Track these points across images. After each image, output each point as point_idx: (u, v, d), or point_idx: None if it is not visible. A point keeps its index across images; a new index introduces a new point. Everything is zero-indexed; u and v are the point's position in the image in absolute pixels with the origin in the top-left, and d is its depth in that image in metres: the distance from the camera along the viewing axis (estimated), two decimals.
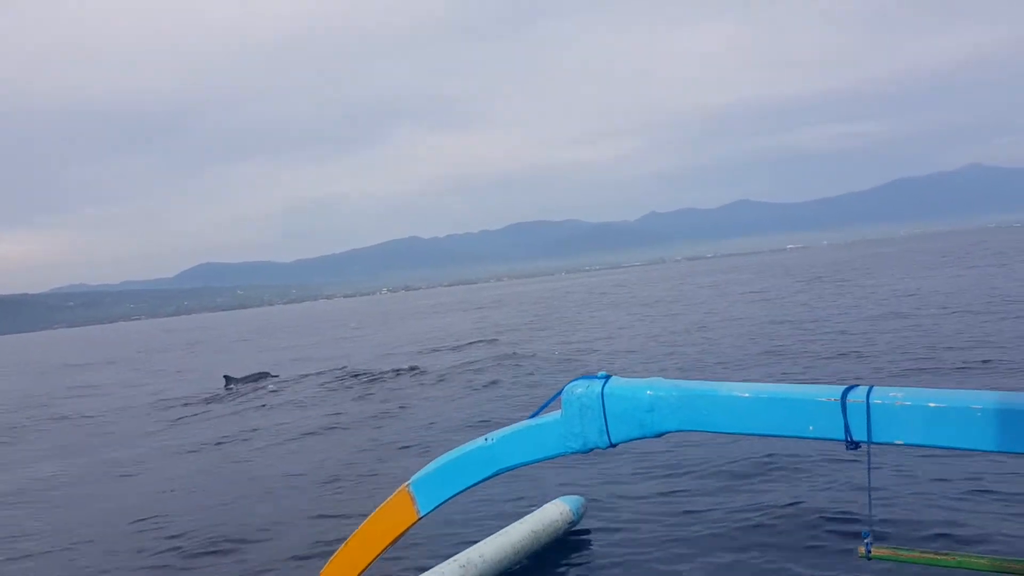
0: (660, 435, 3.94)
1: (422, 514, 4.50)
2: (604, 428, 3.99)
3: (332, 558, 4.78)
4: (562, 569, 6.53)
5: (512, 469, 4.35)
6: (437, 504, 4.48)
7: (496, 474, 4.38)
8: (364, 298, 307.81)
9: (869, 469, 3.88)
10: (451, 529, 7.51)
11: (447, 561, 5.94)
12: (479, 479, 4.40)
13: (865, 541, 3.83)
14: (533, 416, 4.33)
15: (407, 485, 4.53)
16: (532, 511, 6.96)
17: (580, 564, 6.61)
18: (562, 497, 7.15)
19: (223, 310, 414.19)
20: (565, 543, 6.94)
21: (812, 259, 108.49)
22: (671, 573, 6.16)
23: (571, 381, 4.13)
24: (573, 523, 6.92)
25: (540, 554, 6.71)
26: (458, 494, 4.48)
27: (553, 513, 6.78)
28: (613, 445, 4.04)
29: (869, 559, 3.84)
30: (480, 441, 4.39)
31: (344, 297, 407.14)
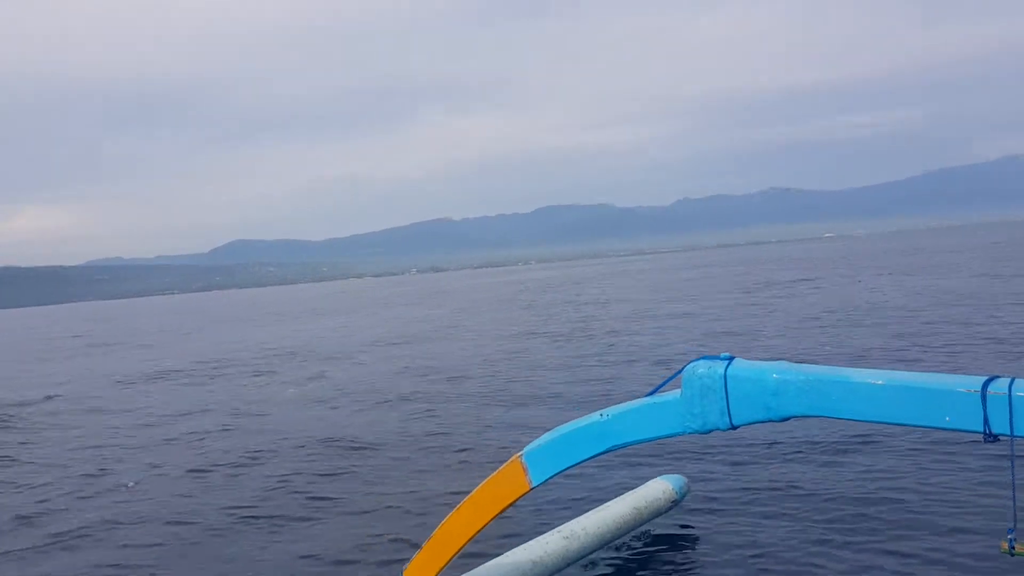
0: (785, 419, 3.93)
1: (534, 484, 4.56)
2: (726, 410, 3.99)
3: (443, 522, 4.86)
4: (663, 546, 6.60)
5: (626, 446, 4.39)
6: (549, 476, 4.54)
7: (610, 450, 4.42)
8: (393, 278, 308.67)
9: (1013, 463, 3.79)
10: (554, 502, 7.57)
11: (551, 531, 6.00)
12: (592, 454, 4.44)
13: (1009, 537, 3.72)
14: (650, 394, 4.33)
15: (520, 456, 4.60)
16: (634, 488, 7.01)
17: (681, 542, 6.66)
18: (665, 475, 7.20)
19: (255, 287, 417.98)
20: (666, 521, 6.99)
21: (866, 248, 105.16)
22: (774, 556, 6.14)
23: (691, 361, 4.14)
24: (675, 502, 6.95)
25: (641, 530, 6.78)
26: (570, 467, 4.54)
27: (656, 491, 6.83)
28: (734, 427, 4.05)
29: (1013, 555, 3.74)
30: (595, 416, 4.42)
31: (373, 277, 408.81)
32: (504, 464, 4.69)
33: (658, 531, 6.90)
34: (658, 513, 6.80)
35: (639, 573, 6.10)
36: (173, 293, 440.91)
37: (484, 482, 4.76)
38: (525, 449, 4.61)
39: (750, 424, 4.04)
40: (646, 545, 6.63)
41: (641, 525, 6.69)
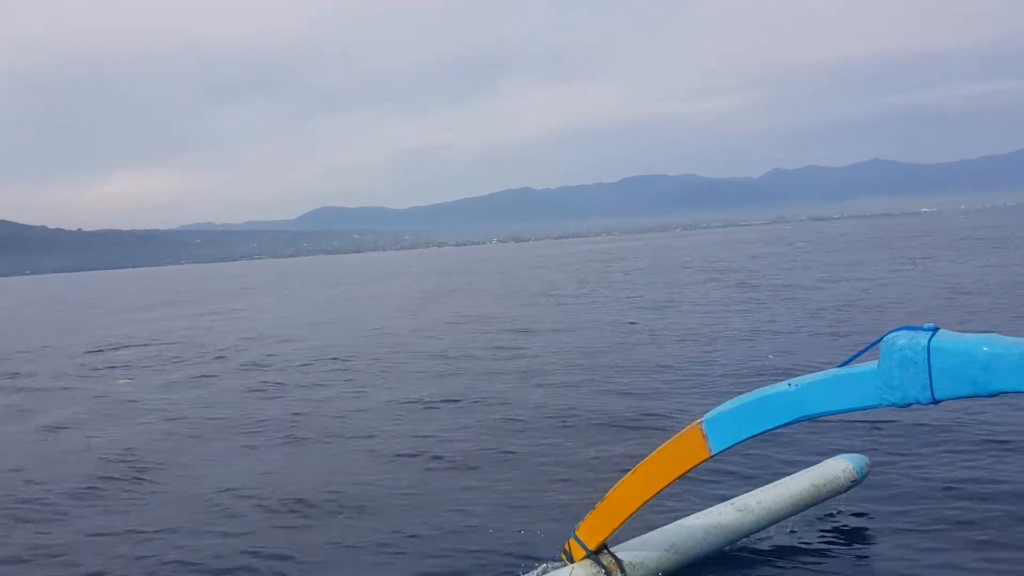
0: (994, 395, 3.68)
1: (714, 453, 4.45)
2: (928, 383, 3.79)
3: (617, 485, 4.78)
4: (839, 526, 5.99)
5: (816, 417, 4.22)
6: (730, 444, 4.42)
7: (797, 421, 4.26)
8: (473, 247, 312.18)
9: None
10: (729, 474, 7.09)
11: (724, 503, 5.69)
12: (778, 424, 4.29)
13: None
14: (843, 365, 4.18)
15: (700, 422, 4.48)
16: (813, 465, 6.39)
17: (858, 524, 6.02)
18: (845, 454, 6.53)
19: (340, 253, 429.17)
20: (844, 501, 6.25)
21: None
22: (956, 552, 5.42)
23: (891, 331, 3.92)
24: (855, 482, 6.25)
25: (817, 509, 6.10)
26: (753, 437, 4.41)
27: (836, 469, 6.20)
28: (936, 402, 3.81)
29: None
30: (783, 386, 4.27)
31: (455, 246, 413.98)
32: (683, 430, 4.57)
33: (834, 511, 6.17)
34: (836, 492, 6.14)
35: (811, 552, 5.61)
36: (261, 257, 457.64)
37: (661, 447, 4.65)
38: (705, 416, 4.49)
39: (954, 399, 3.79)
40: (820, 525, 6.01)
41: (817, 504, 6.03)
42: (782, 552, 5.58)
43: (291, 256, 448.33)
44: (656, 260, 58.13)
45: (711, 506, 5.67)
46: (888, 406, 3.93)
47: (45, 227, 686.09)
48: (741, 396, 4.48)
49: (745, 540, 5.57)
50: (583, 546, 4.84)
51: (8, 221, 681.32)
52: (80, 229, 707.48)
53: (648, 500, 4.70)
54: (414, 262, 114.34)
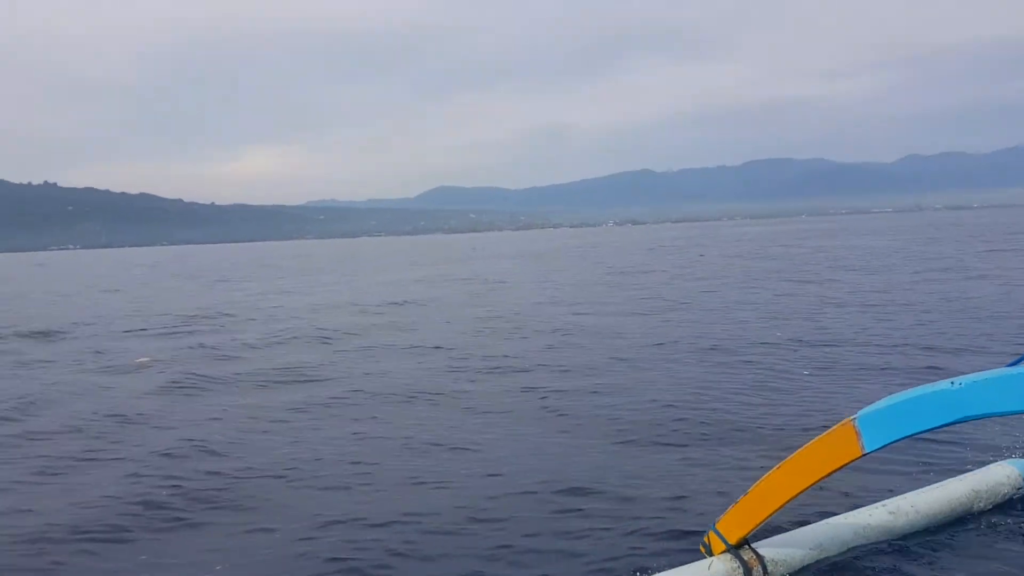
0: None
1: (867, 451, 4.28)
2: None
3: (762, 479, 4.64)
4: (999, 537, 5.49)
5: (979, 418, 4.07)
6: (885, 443, 4.24)
7: (958, 421, 4.10)
8: (589, 229, 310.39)
9: None
10: (879, 473, 6.68)
11: (875, 505, 5.43)
12: (937, 424, 4.13)
13: None
14: (1012, 364, 4.06)
15: (853, 419, 4.32)
16: (971, 470, 6.07)
17: (1019, 534, 5.49)
18: (1011, 460, 6.15)
19: (457, 232, 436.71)
20: (1005, 509, 5.80)
21: None
22: None
23: None
24: (1021, 489, 5.86)
25: (975, 517, 5.68)
26: (909, 436, 4.25)
27: (999, 475, 5.85)
28: None
29: None
30: (945, 384, 4.09)
31: (570, 227, 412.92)
32: (834, 426, 4.40)
33: (992, 520, 5.70)
34: (998, 500, 5.76)
35: (965, 560, 5.21)
36: (381, 235, 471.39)
37: (811, 443, 4.47)
38: (859, 413, 4.32)
39: None
40: (978, 534, 5.57)
41: (976, 512, 5.66)
42: (934, 561, 5.21)
43: (409, 234, 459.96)
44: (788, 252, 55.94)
45: (861, 507, 5.42)
46: None
47: (181, 200, 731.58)
48: (899, 393, 4.30)
49: (895, 544, 5.27)
50: (723, 540, 4.72)
51: (148, 194, 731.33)
52: (213, 203, 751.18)
53: (794, 497, 4.54)
54: (523, 244, 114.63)
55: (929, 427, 4.17)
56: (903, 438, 4.22)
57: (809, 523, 5.20)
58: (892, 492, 5.77)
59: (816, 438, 4.46)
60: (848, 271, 30.26)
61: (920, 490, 5.60)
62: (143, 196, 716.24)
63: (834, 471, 4.43)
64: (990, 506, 5.70)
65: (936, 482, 5.78)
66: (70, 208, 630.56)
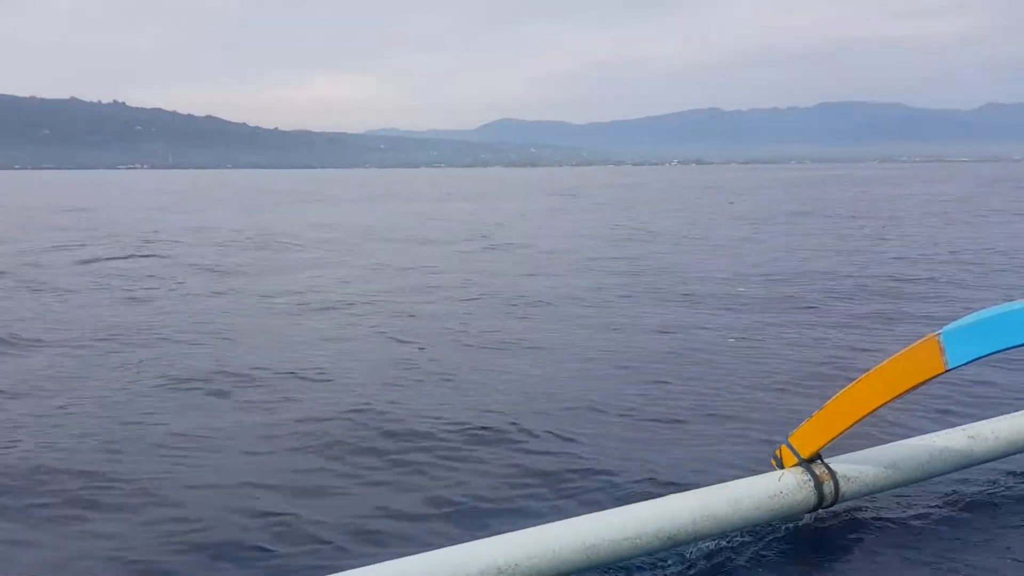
0: None
1: (951, 366, 4.16)
2: None
3: (841, 392, 4.53)
4: None
5: None
6: (970, 359, 4.13)
7: None
8: (651, 168, 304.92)
9: None
10: (959, 403, 6.62)
11: (955, 428, 5.29)
12: (1022, 341, 3.99)
13: None
14: None
15: (938, 334, 4.21)
16: None
17: None
18: None
19: (516, 166, 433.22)
20: None
21: None
22: None
23: None
24: None
25: None
26: (995, 353, 4.09)
27: None
28: None
29: None
30: None
31: (632, 165, 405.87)
32: (918, 340, 4.28)
33: None
34: None
35: None
36: (441, 166, 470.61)
37: (893, 356, 4.37)
38: (944, 328, 4.21)
39: None
40: None
41: None
42: (1011, 487, 5.16)
43: (469, 166, 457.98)
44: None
45: (937, 430, 5.29)
46: None
47: (246, 124, 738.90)
48: (985, 309, 4.24)
49: (974, 470, 5.20)
50: (795, 453, 4.65)
51: (214, 117, 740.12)
52: (277, 128, 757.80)
53: (871, 412, 4.45)
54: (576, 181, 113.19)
55: (1014, 344, 4.07)
56: (989, 354, 4.12)
57: (882, 441, 5.11)
58: (975, 418, 5.63)
59: (898, 353, 4.35)
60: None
61: (1003, 416, 5.44)
62: (209, 119, 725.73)
63: (916, 386, 4.34)
64: None
65: (1020, 410, 5.58)
66: (138, 128, 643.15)
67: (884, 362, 4.40)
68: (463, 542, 3.78)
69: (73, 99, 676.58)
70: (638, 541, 3.95)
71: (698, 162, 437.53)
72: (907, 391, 4.37)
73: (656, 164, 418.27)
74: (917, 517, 4.79)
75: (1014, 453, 5.31)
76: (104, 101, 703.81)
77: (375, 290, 13.25)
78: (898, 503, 4.92)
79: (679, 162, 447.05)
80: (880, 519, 4.75)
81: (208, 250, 19.60)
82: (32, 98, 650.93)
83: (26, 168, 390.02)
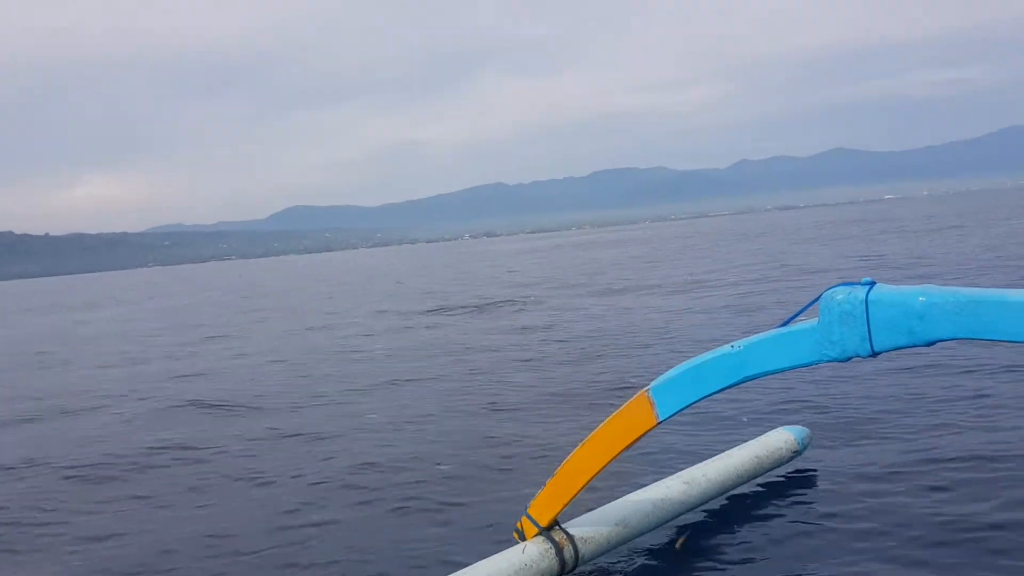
0: (932, 343, 3.79)
1: (661, 419, 4.47)
2: (867, 336, 3.87)
3: (567, 458, 4.78)
4: (783, 497, 6.08)
5: (759, 377, 4.27)
6: (677, 410, 4.45)
7: (741, 381, 4.32)
8: (445, 244, 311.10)
9: None
10: (675, 450, 7.30)
11: (671, 476, 5.80)
12: (722, 386, 4.34)
13: None
14: (784, 324, 4.25)
15: (647, 390, 4.50)
16: (754, 438, 6.58)
17: (800, 495, 6.11)
18: (786, 426, 6.75)
19: (310, 252, 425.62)
20: (787, 473, 6.46)
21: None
22: (895, 516, 5.48)
23: (830, 288, 4.02)
24: (797, 453, 6.49)
25: (761, 480, 6.30)
26: (699, 401, 4.46)
27: (777, 441, 6.42)
28: (875, 354, 3.91)
29: None
30: (726, 348, 4.32)
31: (427, 242, 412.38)
32: (630, 399, 4.57)
33: (776, 480, 6.35)
34: (779, 463, 6.37)
35: (757, 521, 5.72)
36: (232, 258, 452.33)
37: (610, 417, 4.65)
38: (652, 384, 4.51)
39: (893, 350, 3.88)
40: (764, 495, 6.17)
41: (761, 475, 6.25)
42: (727, 521, 5.69)
43: (261, 256, 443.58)
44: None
45: (659, 480, 5.72)
46: (828, 361, 4.02)
47: (12, 232, 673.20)
48: (686, 361, 4.51)
49: (693, 512, 5.65)
50: (535, 523, 4.84)
51: None
52: (47, 233, 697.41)
53: (598, 472, 4.69)
54: (377, 262, 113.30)
55: (715, 389, 4.36)
56: (693, 403, 4.43)
57: (614, 498, 5.42)
58: (688, 464, 6.16)
59: (614, 412, 4.61)
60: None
61: (710, 460, 6.01)
62: None
63: (634, 442, 4.58)
64: (772, 469, 6.27)
65: (724, 452, 6.25)
66: None
67: (603, 423, 4.65)
68: None
69: None
70: None
71: (488, 234, 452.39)
72: (627, 447, 4.62)
73: (451, 239, 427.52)
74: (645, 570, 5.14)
75: (724, 492, 5.89)
76: None
77: None
78: (631, 558, 5.22)
79: (471, 236, 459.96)
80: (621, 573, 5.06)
81: None
82: None
83: None
